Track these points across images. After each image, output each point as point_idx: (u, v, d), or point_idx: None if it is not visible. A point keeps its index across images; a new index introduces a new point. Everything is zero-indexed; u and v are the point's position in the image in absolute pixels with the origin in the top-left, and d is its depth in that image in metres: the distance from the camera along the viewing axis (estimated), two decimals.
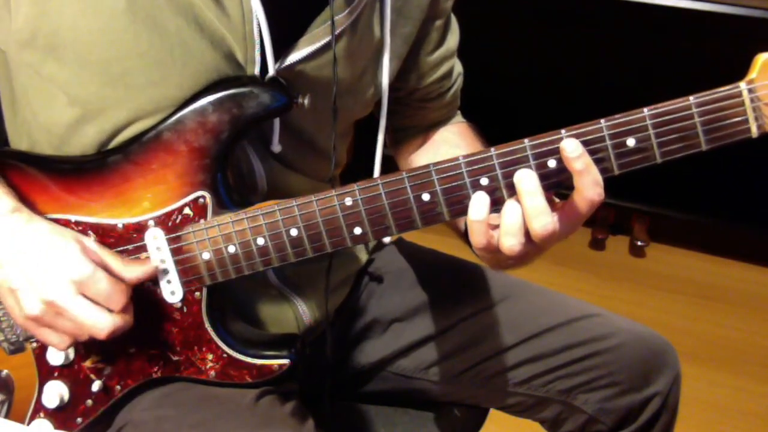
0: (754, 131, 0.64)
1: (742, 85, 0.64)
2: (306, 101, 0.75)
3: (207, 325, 0.77)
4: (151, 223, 0.74)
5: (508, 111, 2.22)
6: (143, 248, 0.74)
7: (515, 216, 0.66)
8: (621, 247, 2.36)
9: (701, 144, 0.65)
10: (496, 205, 0.68)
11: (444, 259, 1.04)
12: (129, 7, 0.69)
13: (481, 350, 0.95)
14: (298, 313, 0.86)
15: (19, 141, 0.80)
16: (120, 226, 0.74)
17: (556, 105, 2.00)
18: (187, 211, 0.73)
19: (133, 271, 0.72)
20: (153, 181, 0.73)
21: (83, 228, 0.74)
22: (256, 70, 0.73)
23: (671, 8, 1.90)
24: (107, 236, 0.74)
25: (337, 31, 0.76)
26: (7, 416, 0.79)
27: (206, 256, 0.74)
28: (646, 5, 1.92)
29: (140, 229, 0.74)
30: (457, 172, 0.68)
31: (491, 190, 0.67)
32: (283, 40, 0.74)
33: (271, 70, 0.73)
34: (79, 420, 0.79)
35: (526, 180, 0.65)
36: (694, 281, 2.23)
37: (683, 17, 1.90)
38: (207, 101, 0.71)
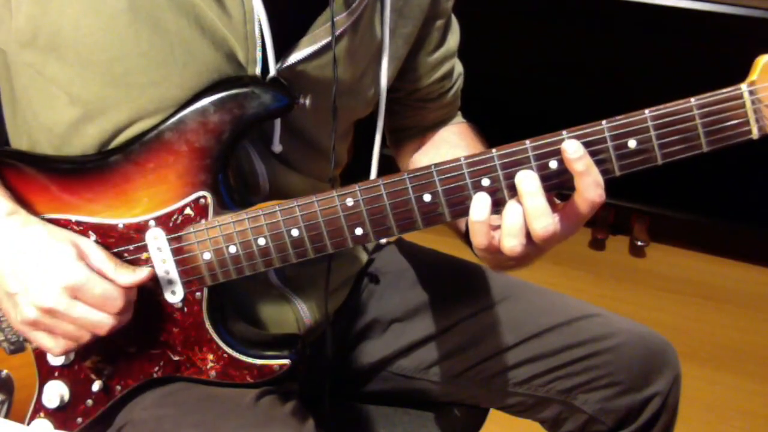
0: (755, 133, 0.64)
1: (743, 87, 0.64)
2: (307, 101, 0.75)
3: (208, 325, 0.77)
4: (152, 223, 0.74)
5: (509, 112, 2.22)
6: (144, 248, 0.74)
7: (516, 217, 0.66)
8: (621, 247, 2.36)
9: (702, 145, 0.65)
10: (498, 206, 0.68)
11: (444, 259, 1.04)
12: (130, 7, 0.68)
13: (481, 350, 0.95)
14: (298, 313, 0.86)
15: (19, 141, 0.80)
16: (121, 226, 0.74)
17: (558, 106, 2.00)
18: (188, 211, 0.73)
19: (126, 277, 0.72)
20: (154, 181, 0.73)
21: (84, 228, 0.74)
22: (258, 70, 0.73)
23: (673, 9, 1.90)
24: (108, 236, 0.74)
25: (338, 31, 0.76)
26: (7, 416, 0.79)
27: (207, 256, 0.74)
28: (648, 5, 1.92)
29: (141, 229, 0.74)
30: (459, 173, 0.68)
31: (492, 191, 0.67)
32: (285, 40, 0.74)
33: (272, 70, 0.73)
34: (80, 420, 0.79)
35: (527, 181, 0.65)
36: (694, 281, 2.23)
37: (686, 18, 1.90)
38: (208, 101, 0.71)
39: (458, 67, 0.96)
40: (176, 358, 0.77)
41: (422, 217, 0.69)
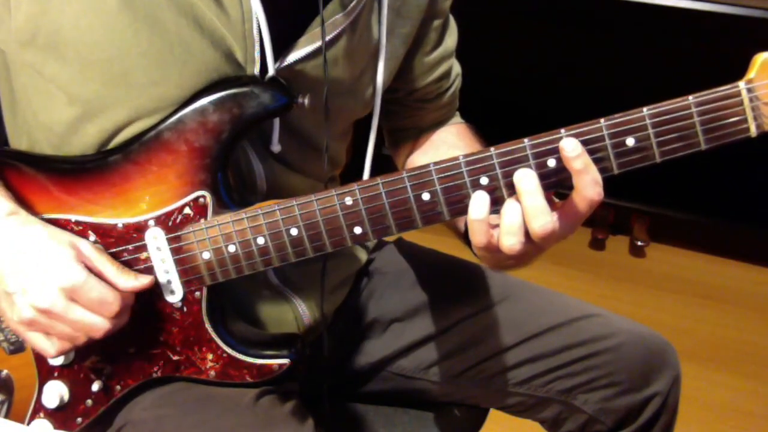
0: (753, 131, 0.64)
1: (741, 85, 0.64)
2: (306, 101, 0.75)
3: (207, 324, 0.77)
4: (151, 222, 0.74)
5: (507, 111, 2.22)
6: (143, 248, 0.74)
7: (515, 215, 0.66)
8: (621, 247, 2.36)
9: (700, 143, 0.65)
10: (496, 205, 0.68)
11: (444, 259, 1.04)
12: (129, 6, 0.69)
13: (481, 350, 0.95)
14: (297, 313, 0.86)
15: (18, 141, 0.80)
16: (120, 225, 0.74)
17: (556, 105, 2.00)
18: (187, 210, 0.73)
19: (128, 282, 0.72)
20: (153, 181, 0.73)
21: (83, 228, 0.74)
22: (256, 70, 0.73)
23: (671, 8, 1.90)
24: (107, 236, 0.74)
25: (337, 31, 0.76)
26: (7, 416, 0.79)
27: (206, 255, 0.74)
28: (646, 5, 1.92)
29: (140, 228, 0.74)
30: (457, 171, 0.68)
31: (491, 190, 0.67)
32: (283, 39, 0.74)
33: (271, 70, 0.73)
34: (79, 420, 0.79)
35: (526, 179, 0.65)
36: (694, 281, 2.23)
37: (683, 17, 1.90)
38: (208, 101, 0.71)
39: (456, 68, 0.96)
40: (176, 357, 0.77)
41: (421, 215, 0.69)
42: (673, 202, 2.26)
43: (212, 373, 0.78)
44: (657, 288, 2.20)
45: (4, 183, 0.75)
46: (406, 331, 0.97)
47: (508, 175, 0.67)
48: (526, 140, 0.66)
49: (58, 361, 0.77)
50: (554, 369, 0.93)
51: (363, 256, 1.01)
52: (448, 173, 0.68)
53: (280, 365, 0.77)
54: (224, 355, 0.77)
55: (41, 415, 0.79)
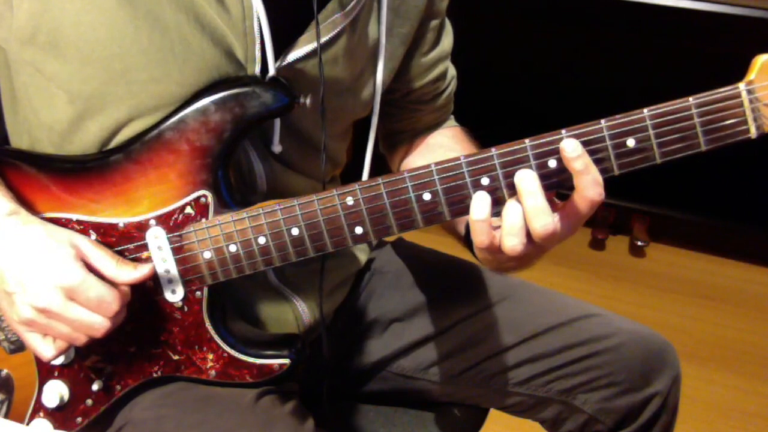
0: (753, 132, 0.65)
1: (742, 86, 0.64)
2: (307, 101, 0.75)
3: (208, 324, 0.77)
4: (152, 222, 0.74)
5: (508, 111, 2.22)
6: (144, 247, 0.74)
7: (516, 216, 0.66)
8: (621, 247, 2.36)
9: (701, 144, 0.65)
10: (497, 205, 0.68)
11: (444, 259, 1.04)
12: (130, 3, 0.69)
13: (481, 350, 0.95)
14: (298, 312, 0.86)
15: (19, 140, 0.80)
16: (121, 225, 0.74)
17: (557, 105, 2.01)
18: (188, 210, 0.73)
19: (128, 274, 0.72)
20: (154, 180, 0.73)
21: (85, 227, 0.74)
22: (257, 69, 0.73)
23: (671, 8, 1.90)
24: (108, 235, 0.74)
25: (336, 30, 0.76)
26: (7, 415, 0.79)
27: (207, 255, 0.74)
28: (646, 5, 1.92)
29: (141, 228, 0.74)
30: (458, 171, 0.68)
31: (492, 190, 0.67)
32: (283, 38, 0.74)
33: (271, 69, 0.73)
34: (79, 419, 0.79)
35: (527, 180, 0.66)
36: (694, 281, 2.23)
37: (683, 17, 1.90)
38: (209, 100, 0.71)
39: (452, 70, 0.97)
40: (176, 357, 0.77)
41: (422, 216, 0.69)
42: (673, 202, 2.26)
43: (212, 373, 0.78)
44: (657, 288, 2.20)
45: (4, 182, 0.75)
46: (406, 331, 0.98)
47: (509, 176, 0.67)
48: (527, 141, 0.66)
49: (58, 361, 0.77)
50: (554, 369, 0.93)
51: (363, 256, 1.01)
52: (449, 173, 0.68)
53: (281, 365, 0.77)
54: (225, 354, 0.77)
55: (41, 414, 0.79)
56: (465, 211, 0.68)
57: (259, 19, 0.71)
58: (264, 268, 0.74)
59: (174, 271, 0.74)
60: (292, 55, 0.74)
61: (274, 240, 0.72)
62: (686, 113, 0.64)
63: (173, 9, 0.69)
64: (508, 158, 0.67)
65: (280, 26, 0.73)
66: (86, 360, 0.78)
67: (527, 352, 0.94)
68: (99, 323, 0.70)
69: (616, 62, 2.16)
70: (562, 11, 2.12)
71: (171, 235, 0.74)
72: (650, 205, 2.28)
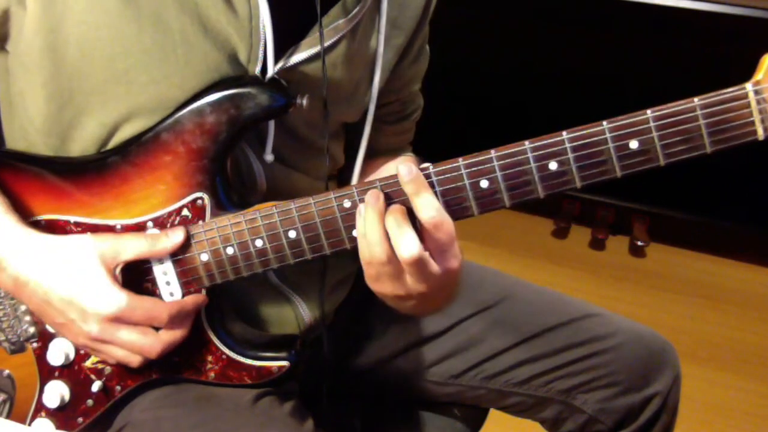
0: (761, 133, 0.63)
1: (749, 87, 0.62)
2: (305, 102, 0.75)
3: (206, 326, 0.77)
4: (149, 224, 0.73)
5: (508, 113, 2.22)
6: None
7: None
8: (621, 247, 2.36)
9: (706, 146, 0.63)
10: (496, 207, 0.68)
11: None
12: (134, 4, 0.69)
13: (481, 350, 0.95)
14: (298, 312, 0.86)
15: (15, 146, 0.80)
16: (118, 227, 0.74)
17: (558, 107, 2.00)
18: (185, 212, 0.73)
19: (165, 243, 0.72)
20: (151, 182, 0.73)
21: (82, 229, 0.74)
22: (258, 69, 0.73)
23: (674, 9, 1.90)
24: None
25: (338, 36, 0.76)
26: (9, 415, 0.80)
27: (204, 257, 0.74)
28: (648, 6, 1.92)
29: (139, 230, 0.74)
30: (457, 174, 0.67)
31: (491, 193, 0.67)
32: (286, 41, 0.74)
33: (271, 70, 0.73)
34: (80, 420, 0.79)
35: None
36: (694, 281, 2.23)
37: (686, 18, 1.90)
38: (205, 102, 0.71)
39: (420, 99, 0.97)
40: (175, 359, 0.77)
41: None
42: (673, 202, 2.26)
43: (212, 374, 0.78)
44: (657, 288, 2.20)
45: (2, 185, 0.75)
46: (406, 331, 0.97)
47: (509, 178, 0.66)
48: (527, 143, 0.66)
49: (59, 361, 0.77)
50: (554, 369, 0.93)
51: None
52: (448, 175, 0.68)
53: (280, 367, 0.77)
54: (223, 357, 0.77)
55: (43, 414, 0.79)
56: (462, 213, 0.68)
57: (263, 20, 0.71)
58: (261, 270, 0.74)
59: (171, 273, 0.74)
60: (294, 59, 0.74)
61: (271, 242, 0.72)
62: (691, 114, 0.63)
63: (177, 11, 0.69)
64: (508, 160, 0.66)
65: (283, 29, 0.73)
66: (86, 361, 0.78)
67: (527, 352, 0.94)
68: (152, 341, 0.71)
69: (619, 63, 2.16)
70: (562, 11, 2.12)
71: None
72: (650, 205, 2.28)
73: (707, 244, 2.33)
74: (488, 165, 0.67)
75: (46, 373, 0.78)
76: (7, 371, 0.80)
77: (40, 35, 0.70)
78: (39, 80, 0.73)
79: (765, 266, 2.28)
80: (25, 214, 0.75)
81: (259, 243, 0.72)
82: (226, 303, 0.79)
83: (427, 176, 0.68)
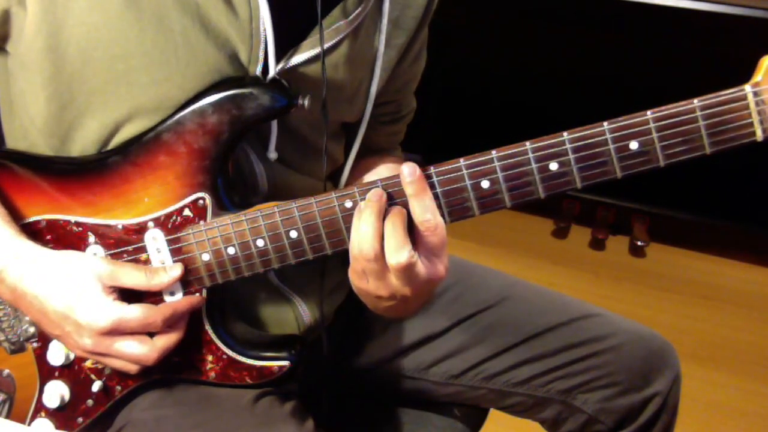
0: (760, 135, 0.63)
1: (748, 88, 0.63)
2: (306, 102, 0.75)
3: (207, 326, 0.77)
4: (150, 224, 0.74)
5: (509, 113, 2.22)
6: (143, 249, 0.74)
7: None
8: (621, 247, 2.36)
9: (705, 147, 0.64)
10: (496, 207, 0.68)
11: None
12: (135, 5, 0.69)
13: (481, 350, 0.95)
14: (298, 312, 0.86)
15: (16, 146, 0.80)
16: (119, 227, 0.74)
17: (559, 107, 2.00)
18: (186, 212, 0.73)
19: (162, 279, 0.73)
20: (152, 182, 0.73)
21: (83, 229, 0.74)
22: (258, 70, 0.73)
23: (674, 9, 1.90)
24: (107, 237, 0.74)
25: (339, 37, 0.76)
26: (9, 415, 0.80)
27: (206, 257, 0.74)
28: (648, 6, 1.92)
29: (140, 230, 0.74)
30: (458, 174, 0.67)
31: (492, 193, 0.67)
32: (287, 41, 0.74)
33: (272, 71, 0.73)
34: (80, 420, 0.79)
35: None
36: (694, 281, 2.23)
37: (686, 18, 1.90)
38: (206, 102, 0.71)
39: (413, 103, 0.97)
40: (176, 359, 0.77)
41: None
42: (673, 202, 2.26)
43: (212, 374, 0.78)
44: (657, 288, 2.20)
45: (1, 190, 0.75)
46: (406, 331, 0.98)
47: (510, 179, 0.67)
48: (527, 143, 0.66)
49: (59, 361, 0.77)
50: (554, 369, 0.93)
51: None
52: (449, 176, 0.68)
53: (280, 367, 0.77)
54: (224, 356, 0.77)
55: (43, 414, 0.79)
56: (464, 213, 0.68)
57: (263, 21, 0.71)
58: (262, 270, 0.74)
59: None
60: (295, 59, 0.74)
61: (273, 242, 0.72)
62: (691, 116, 0.63)
63: (179, 12, 0.69)
64: (509, 161, 0.66)
65: (284, 30, 0.73)
66: (86, 360, 0.78)
67: (527, 352, 0.94)
68: (147, 348, 0.71)
69: (618, 63, 2.16)
70: (562, 11, 2.12)
71: (169, 237, 0.73)
72: (650, 205, 2.28)
73: (707, 244, 2.33)
74: (489, 165, 0.67)
75: (46, 372, 0.78)
76: (7, 371, 0.80)
77: (41, 36, 0.70)
78: (39, 81, 0.73)
79: (765, 266, 2.28)
80: (26, 213, 0.75)
81: (260, 243, 0.72)
82: (227, 303, 0.79)
83: (428, 176, 0.68)
